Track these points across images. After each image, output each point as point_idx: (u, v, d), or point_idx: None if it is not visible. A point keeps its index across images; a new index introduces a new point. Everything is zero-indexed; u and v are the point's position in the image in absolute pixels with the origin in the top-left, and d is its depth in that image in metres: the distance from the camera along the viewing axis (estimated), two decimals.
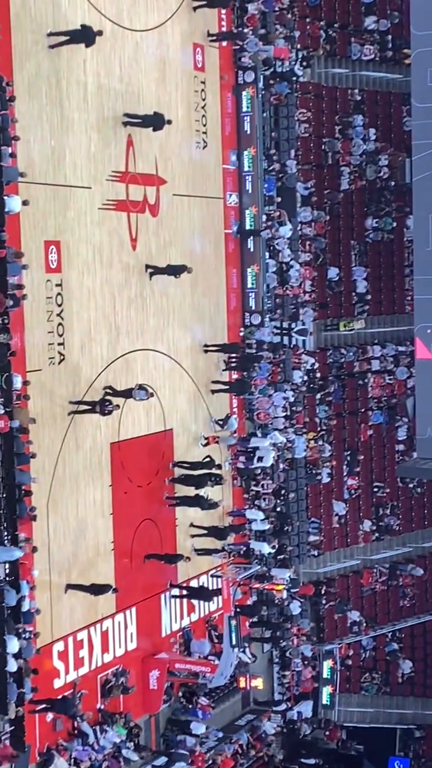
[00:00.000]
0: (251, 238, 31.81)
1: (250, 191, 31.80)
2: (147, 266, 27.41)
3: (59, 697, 23.87)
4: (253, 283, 31.91)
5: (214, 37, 30.43)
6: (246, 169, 31.77)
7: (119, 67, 26.42)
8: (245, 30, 31.13)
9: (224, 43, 31.01)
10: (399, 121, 35.82)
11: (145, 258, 27.45)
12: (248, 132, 31.70)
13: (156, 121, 26.99)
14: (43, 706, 23.09)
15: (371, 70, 35.53)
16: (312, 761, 33.19)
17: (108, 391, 25.39)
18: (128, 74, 26.75)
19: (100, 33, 24.37)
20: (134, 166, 26.98)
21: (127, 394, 25.70)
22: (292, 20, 32.86)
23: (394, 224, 35.86)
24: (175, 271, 27.90)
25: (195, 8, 29.44)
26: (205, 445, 29.91)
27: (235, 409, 31.61)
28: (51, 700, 23.38)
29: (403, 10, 34.38)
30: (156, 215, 28.07)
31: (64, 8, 24.11)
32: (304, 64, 33.31)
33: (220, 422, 30.37)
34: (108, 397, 25.05)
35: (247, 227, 31.88)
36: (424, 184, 32.11)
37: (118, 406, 25.24)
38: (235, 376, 31.48)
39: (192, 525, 29.38)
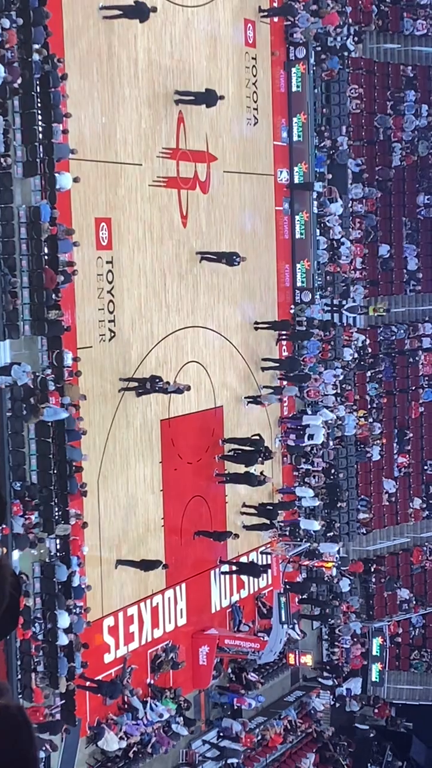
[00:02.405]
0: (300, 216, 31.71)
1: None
2: (198, 253, 27.37)
3: (107, 675, 24.04)
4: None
5: (266, 13, 30.27)
6: (296, 138, 31.59)
7: (170, 44, 26.37)
8: (297, 5, 30.91)
9: (275, 19, 30.82)
10: None
11: (195, 235, 27.44)
12: (299, 103, 31.53)
13: (209, 98, 26.92)
14: (90, 686, 23.25)
15: (424, 45, 35.20)
16: (366, 726, 33.33)
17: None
18: (179, 50, 26.69)
19: (154, 9, 24.32)
20: (185, 143, 26.95)
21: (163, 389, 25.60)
22: None
23: None
24: (226, 257, 27.79)
25: None
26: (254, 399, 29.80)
27: (286, 383, 31.53)
28: (99, 681, 23.55)
29: None
30: (206, 192, 28.03)
31: None
32: (356, 39, 33.04)
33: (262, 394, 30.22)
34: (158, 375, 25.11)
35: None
36: None
37: (168, 383, 25.29)
38: (285, 352, 31.45)
39: (244, 505, 29.43)
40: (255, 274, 30.27)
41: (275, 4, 30.69)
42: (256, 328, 30.26)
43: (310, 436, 30.94)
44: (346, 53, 32.64)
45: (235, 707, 28.66)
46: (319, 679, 32.86)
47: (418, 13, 34.69)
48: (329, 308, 32.51)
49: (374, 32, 34.12)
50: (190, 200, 27.32)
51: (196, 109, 27.09)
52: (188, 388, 25.84)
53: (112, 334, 24.32)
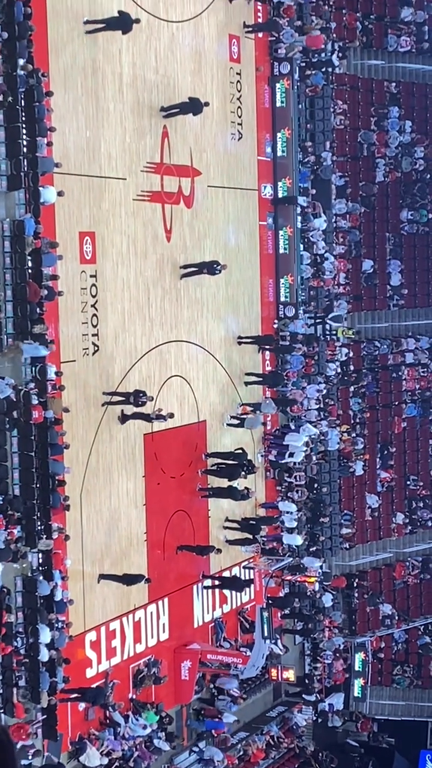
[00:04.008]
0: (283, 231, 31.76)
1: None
2: (182, 266, 27.39)
3: (92, 686, 23.96)
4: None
5: (250, 29, 30.37)
6: (280, 153, 31.66)
7: (155, 58, 26.42)
8: (281, 21, 31.01)
9: (260, 34, 30.92)
10: None
11: (179, 249, 27.46)
12: (283, 118, 31.62)
13: (194, 106, 26.95)
14: (75, 695, 23.18)
15: (407, 62, 35.37)
16: (356, 744, 33.32)
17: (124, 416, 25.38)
18: (164, 65, 26.74)
19: (137, 21, 24.38)
20: (169, 158, 26.98)
21: (147, 417, 25.66)
22: (329, 11, 32.75)
23: (429, 216, 35.73)
24: (206, 266, 27.81)
25: None
26: (238, 423, 29.71)
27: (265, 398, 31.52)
28: (83, 689, 23.47)
29: None
30: (190, 206, 28.07)
31: None
32: (340, 55, 33.18)
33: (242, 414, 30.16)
34: (141, 390, 25.09)
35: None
36: None
37: (151, 397, 25.26)
38: (268, 367, 31.48)
39: (227, 519, 29.41)
40: (239, 289, 30.30)
41: (260, 20, 30.78)
42: (240, 343, 30.27)
43: (291, 454, 30.96)
44: (330, 69, 32.76)
45: (215, 735, 28.56)
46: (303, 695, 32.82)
47: (402, 30, 34.83)
48: (313, 318, 32.51)
49: (358, 48, 34.28)
50: (174, 215, 27.35)
51: (180, 124, 27.14)
52: (171, 416, 25.84)
53: (96, 348, 24.29)
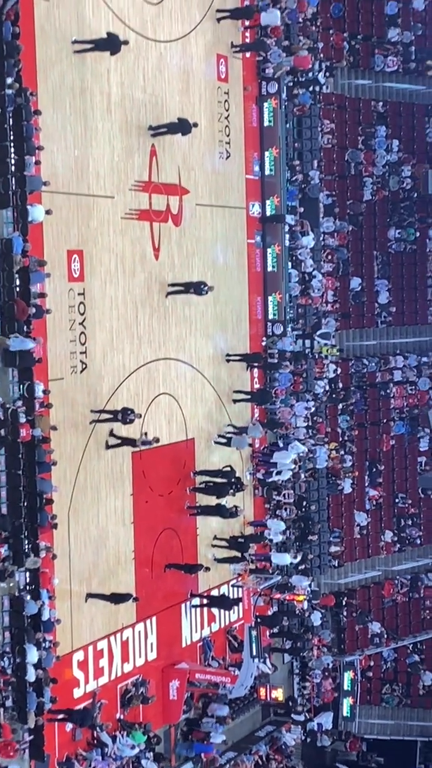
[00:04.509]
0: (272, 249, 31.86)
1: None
2: (169, 284, 27.45)
3: (79, 707, 23.85)
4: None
5: (238, 48, 30.47)
6: (268, 171, 31.78)
7: (143, 78, 26.49)
8: (269, 41, 31.12)
9: (248, 54, 31.03)
10: (422, 132, 35.86)
11: (167, 267, 27.49)
12: (271, 137, 31.75)
13: (183, 127, 27.04)
14: (62, 716, 23.08)
15: (394, 82, 35.52)
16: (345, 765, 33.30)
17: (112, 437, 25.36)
18: (152, 85, 26.81)
19: (125, 42, 24.46)
20: (157, 176, 27.03)
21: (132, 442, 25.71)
22: (316, 32, 32.87)
23: (417, 235, 35.85)
24: (193, 287, 27.83)
25: (219, 19, 29.50)
26: (225, 442, 29.75)
27: (257, 417, 31.54)
28: (70, 711, 23.37)
29: (427, 21, 34.47)
30: (179, 225, 28.11)
31: (89, 19, 24.21)
32: (327, 74, 33.31)
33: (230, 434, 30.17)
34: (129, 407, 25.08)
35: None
36: None
37: (139, 415, 25.26)
38: (257, 385, 31.51)
39: (215, 537, 29.38)
40: (227, 307, 30.34)
41: (247, 40, 30.89)
42: (228, 361, 30.29)
43: (279, 472, 30.97)
44: (317, 89, 32.89)
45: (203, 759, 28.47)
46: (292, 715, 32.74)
47: (389, 50, 34.98)
48: (301, 334, 32.55)
49: (346, 68, 34.41)
50: (162, 233, 27.38)
51: (168, 143, 27.20)
52: (156, 440, 25.84)
53: (84, 366, 24.28)
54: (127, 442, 25.34)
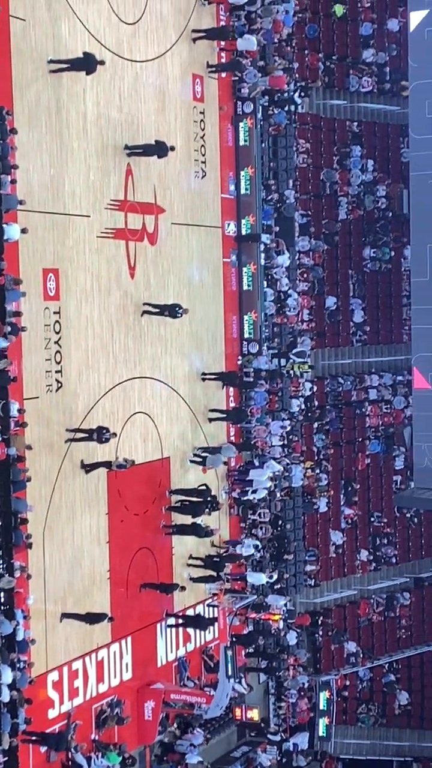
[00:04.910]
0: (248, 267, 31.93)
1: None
2: (144, 305, 27.42)
3: (52, 731, 23.68)
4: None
5: (213, 68, 30.58)
6: (244, 191, 31.86)
7: (119, 97, 26.53)
8: (244, 61, 31.25)
9: (223, 74, 31.14)
10: (396, 152, 36.00)
11: (143, 286, 27.50)
12: (247, 156, 31.85)
13: (159, 149, 27.09)
14: (36, 738, 22.91)
15: (369, 102, 35.73)
16: None
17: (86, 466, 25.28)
18: (128, 104, 26.86)
19: (102, 62, 24.51)
20: (133, 195, 27.05)
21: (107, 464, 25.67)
22: (291, 52, 33.05)
23: (392, 254, 35.99)
24: (168, 309, 27.83)
25: (194, 40, 29.60)
26: (201, 461, 29.72)
27: (233, 438, 31.54)
28: (44, 734, 23.21)
29: (401, 42, 34.63)
30: (154, 244, 28.13)
31: (65, 39, 24.25)
32: (303, 95, 33.49)
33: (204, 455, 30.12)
34: (104, 426, 25.03)
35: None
36: (422, 214, 32.27)
37: (115, 434, 25.21)
38: (232, 403, 31.52)
39: (191, 557, 29.31)
40: (202, 325, 30.35)
41: (223, 60, 31.00)
42: (204, 379, 30.29)
43: (255, 491, 30.96)
44: (293, 108, 33.04)
45: None
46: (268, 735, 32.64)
47: (364, 70, 35.19)
48: (277, 353, 32.59)
49: (321, 88, 34.60)
50: (138, 252, 27.39)
51: (144, 162, 27.24)
52: (133, 463, 25.79)
53: (59, 385, 24.22)
54: (102, 465, 25.30)
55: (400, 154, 35.82)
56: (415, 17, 31.82)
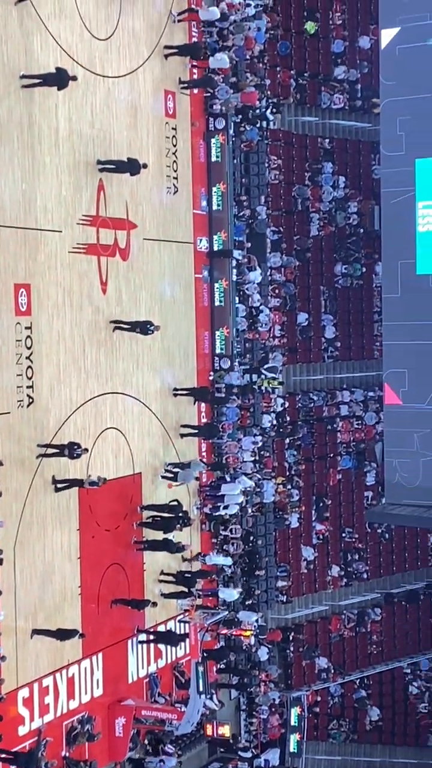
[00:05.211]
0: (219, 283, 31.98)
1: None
2: (112, 322, 27.37)
3: (22, 748, 23.54)
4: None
5: (186, 85, 30.66)
6: (216, 207, 31.93)
7: (91, 113, 26.55)
8: (216, 77, 31.36)
9: (195, 91, 31.23)
10: (368, 169, 36.19)
11: (115, 301, 27.48)
12: (218, 172, 31.93)
13: (132, 167, 27.13)
14: (5, 756, 22.77)
15: (341, 119, 35.93)
16: None
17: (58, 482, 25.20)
18: (100, 120, 26.88)
19: (74, 78, 24.52)
20: (105, 211, 27.05)
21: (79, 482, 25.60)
22: (263, 69, 33.21)
23: (363, 270, 36.14)
24: (140, 326, 27.82)
25: (166, 56, 29.69)
26: (172, 477, 29.68)
27: (204, 454, 31.54)
28: (15, 753, 23.07)
29: (372, 60, 34.83)
30: (126, 259, 28.12)
31: (37, 54, 24.26)
32: (274, 111, 33.64)
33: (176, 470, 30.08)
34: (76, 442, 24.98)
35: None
36: (392, 231, 32.43)
37: (86, 449, 25.16)
38: (204, 419, 31.53)
39: (162, 573, 29.26)
40: (174, 341, 30.36)
41: (195, 76, 31.10)
42: (176, 395, 30.28)
43: (226, 507, 30.97)
44: (265, 125, 33.17)
45: None
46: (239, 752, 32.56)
47: (336, 87, 35.37)
48: (249, 369, 32.64)
49: (293, 105, 34.76)
50: (110, 267, 27.38)
51: (116, 178, 27.25)
52: (104, 481, 25.74)
53: (31, 400, 24.16)
54: (74, 483, 25.25)
55: (372, 170, 36.01)
56: (386, 35, 31.98)
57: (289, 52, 34.49)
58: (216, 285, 32.00)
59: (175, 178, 30.39)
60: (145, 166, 27.49)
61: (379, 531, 36.54)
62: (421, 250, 31.88)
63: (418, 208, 31.85)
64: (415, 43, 31.46)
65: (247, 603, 32.22)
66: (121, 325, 27.47)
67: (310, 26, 34.82)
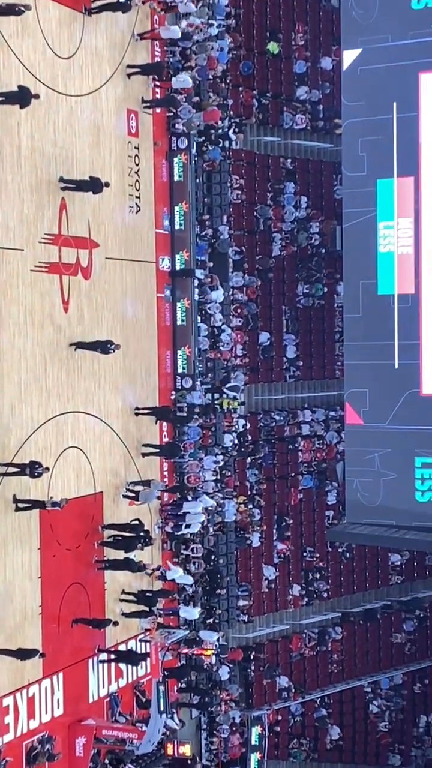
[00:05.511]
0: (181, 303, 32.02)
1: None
2: (72, 344, 27.35)
3: None
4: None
5: (148, 104, 30.74)
6: (178, 226, 32.00)
7: (53, 131, 26.56)
8: (179, 97, 31.47)
9: (158, 110, 31.32)
10: (330, 189, 36.38)
11: (76, 320, 27.45)
12: (181, 192, 32.01)
13: (94, 185, 27.16)
14: None
15: (303, 139, 36.12)
16: None
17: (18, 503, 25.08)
18: (62, 138, 26.89)
19: (36, 96, 24.52)
20: (67, 229, 27.04)
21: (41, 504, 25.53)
22: (226, 89, 33.36)
23: (325, 290, 36.29)
24: (100, 346, 27.81)
25: (129, 75, 29.77)
26: (133, 496, 29.62)
27: (166, 473, 31.52)
28: None
29: (334, 81, 35.07)
30: (88, 278, 28.12)
31: None
32: (237, 131, 33.79)
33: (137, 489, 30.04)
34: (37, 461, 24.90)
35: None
36: (354, 251, 32.61)
37: (48, 468, 25.08)
38: (165, 438, 31.53)
39: (123, 592, 29.18)
40: (136, 360, 30.35)
41: (158, 96, 31.19)
42: (137, 414, 30.26)
43: (188, 525, 30.95)
44: (227, 144, 33.30)
45: None
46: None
47: (298, 108, 35.57)
48: (210, 388, 32.68)
49: (255, 125, 34.92)
50: (72, 286, 27.36)
51: (78, 196, 27.26)
52: (66, 502, 25.67)
53: None
54: (35, 505, 25.16)
55: (333, 191, 36.21)
56: (348, 56, 32.24)
57: (251, 73, 34.69)
58: (178, 304, 32.03)
59: (138, 198, 30.44)
60: (107, 184, 27.52)
61: (340, 550, 36.62)
62: (382, 270, 32.08)
63: (379, 228, 32.07)
64: (376, 65, 31.74)
65: (208, 622, 32.18)
66: (82, 345, 27.45)
67: (273, 47, 35.05)
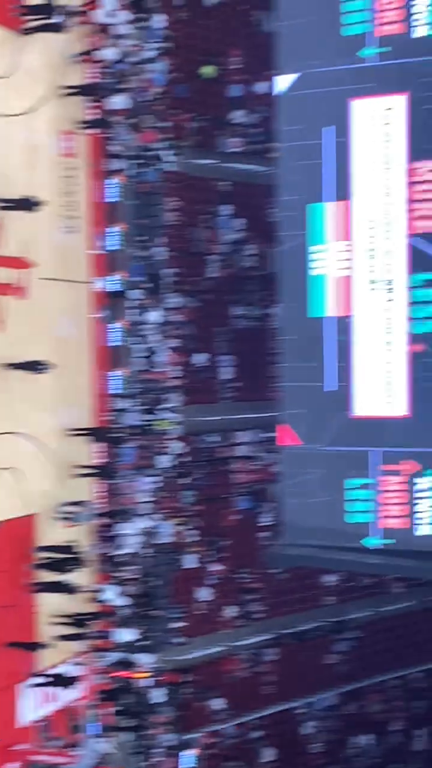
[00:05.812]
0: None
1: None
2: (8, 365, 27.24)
3: None
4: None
5: (84, 125, 30.76)
6: (114, 247, 32.07)
7: None
8: (115, 119, 31.51)
9: (94, 131, 31.33)
10: (264, 212, 36.51)
11: (10, 341, 27.33)
12: (116, 213, 32.07)
13: (27, 204, 27.12)
14: None
15: (238, 162, 36.29)
16: None
17: None
18: None
19: None
20: (1, 249, 26.94)
21: None
22: (162, 111, 33.44)
23: (260, 312, 36.40)
24: (30, 366, 27.72)
25: (64, 96, 29.77)
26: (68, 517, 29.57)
27: (100, 494, 31.40)
28: None
29: (270, 104, 35.26)
30: (23, 298, 28.01)
31: None
32: (172, 153, 33.88)
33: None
34: None
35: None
36: (287, 274, 32.79)
37: None
38: (100, 459, 31.43)
39: (56, 615, 29.01)
40: (71, 381, 30.27)
41: (94, 117, 31.20)
42: (72, 435, 30.15)
43: (122, 546, 30.90)
44: (163, 166, 33.38)
45: None
46: None
47: (234, 131, 35.74)
48: (146, 409, 32.69)
49: (190, 147, 35.02)
50: (7, 306, 27.24)
51: (13, 217, 27.18)
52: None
53: None
54: None
55: (268, 214, 36.36)
56: (283, 80, 32.47)
57: (187, 95, 34.79)
58: (114, 325, 32.01)
59: (73, 218, 30.40)
60: (38, 203, 27.44)
61: (275, 572, 36.62)
62: (312, 293, 32.32)
63: (310, 251, 32.30)
64: (311, 89, 32.00)
65: (142, 644, 32.06)
66: (14, 365, 27.33)
67: (209, 70, 35.21)
